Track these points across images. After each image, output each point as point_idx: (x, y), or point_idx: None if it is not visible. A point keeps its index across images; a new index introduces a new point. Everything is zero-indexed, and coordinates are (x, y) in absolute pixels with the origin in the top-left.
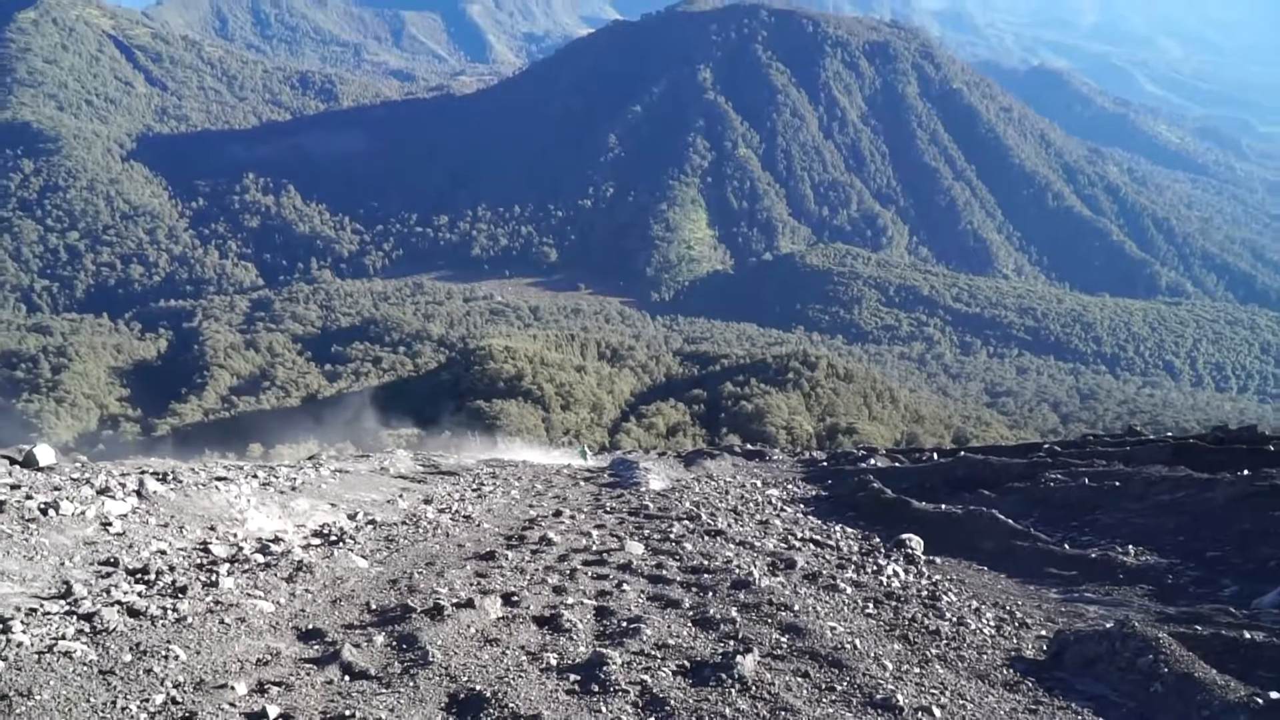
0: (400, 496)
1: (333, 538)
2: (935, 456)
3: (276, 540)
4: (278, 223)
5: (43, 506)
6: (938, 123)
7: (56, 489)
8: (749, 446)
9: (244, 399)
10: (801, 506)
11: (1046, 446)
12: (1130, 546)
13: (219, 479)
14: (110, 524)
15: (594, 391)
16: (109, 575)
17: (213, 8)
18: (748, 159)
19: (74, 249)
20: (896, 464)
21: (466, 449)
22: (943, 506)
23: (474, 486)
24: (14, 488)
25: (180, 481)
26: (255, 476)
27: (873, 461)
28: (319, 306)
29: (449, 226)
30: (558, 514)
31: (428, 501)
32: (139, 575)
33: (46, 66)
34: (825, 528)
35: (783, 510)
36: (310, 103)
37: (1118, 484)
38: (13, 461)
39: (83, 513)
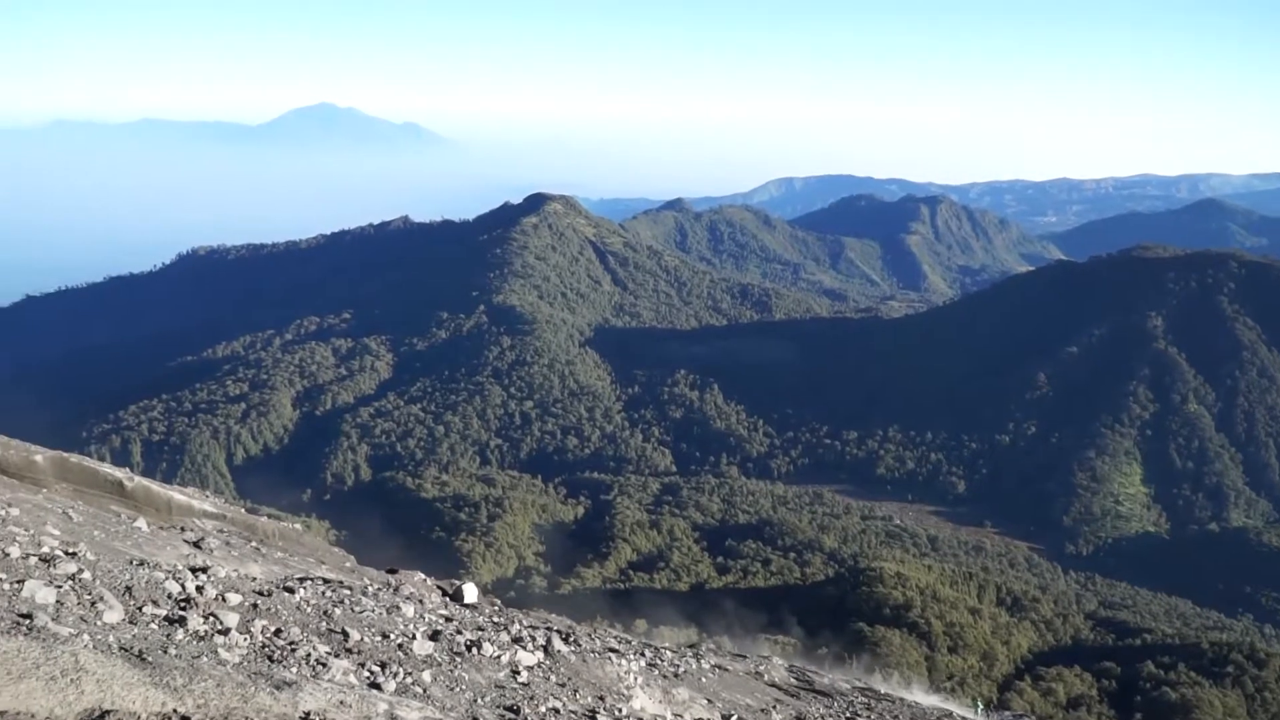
0: (774, 708)
1: None
2: None
3: None
4: (698, 416)
5: (468, 643)
6: None
7: (480, 629)
8: None
9: (639, 574)
10: None
11: None
12: None
13: (611, 650)
14: (519, 673)
15: (987, 639)
16: None
17: (676, 224)
18: (1199, 415)
19: (526, 415)
20: None
21: (841, 670)
22: None
23: (847, 714)
24: (448, 620)
25: (579, 645)
26: (643, 655)
27: None
28: (721, 500)
29: (857, 442)
30: None
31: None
32: None
33: (537, 262)
34: None
35: None
36: (746, 312)
37: None
38: (444, 593)
39: (498, 657)
